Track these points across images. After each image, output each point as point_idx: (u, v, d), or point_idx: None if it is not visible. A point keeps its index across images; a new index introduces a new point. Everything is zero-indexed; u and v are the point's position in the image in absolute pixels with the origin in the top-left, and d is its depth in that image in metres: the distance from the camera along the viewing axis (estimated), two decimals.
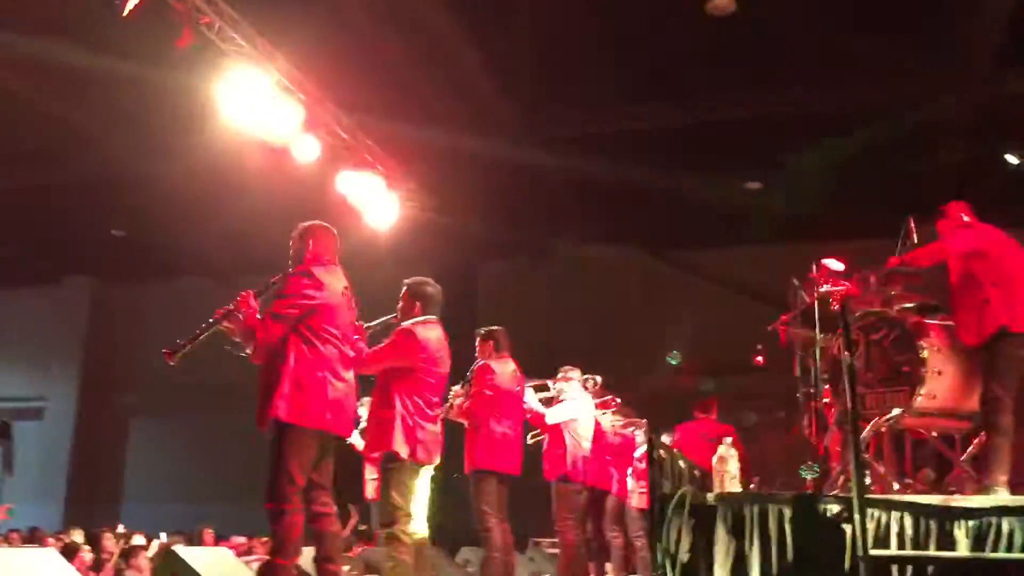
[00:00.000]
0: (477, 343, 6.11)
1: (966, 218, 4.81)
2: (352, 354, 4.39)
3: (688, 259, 16.58)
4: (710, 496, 3.65)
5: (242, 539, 9.50)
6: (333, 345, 4.22)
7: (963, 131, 12.06)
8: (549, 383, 7.19)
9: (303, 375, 4.11)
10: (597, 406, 7.85)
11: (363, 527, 10.26)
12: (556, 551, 8.14)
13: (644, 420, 8.48)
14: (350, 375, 4.32)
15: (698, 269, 16.42)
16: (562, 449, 6.77)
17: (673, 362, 8.31)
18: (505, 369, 5.98)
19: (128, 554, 7.50)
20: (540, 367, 7.55)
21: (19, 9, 9.41)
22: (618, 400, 8.24)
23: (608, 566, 8.31)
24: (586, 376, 7.29)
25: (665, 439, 8.67)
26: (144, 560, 7.17)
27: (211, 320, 4.31)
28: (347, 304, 4.39)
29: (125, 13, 7.20)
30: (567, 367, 7.34)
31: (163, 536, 8.28)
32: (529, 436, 6.91)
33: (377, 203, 10.17)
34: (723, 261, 16.07)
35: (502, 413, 5.79)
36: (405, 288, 5.26)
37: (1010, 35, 10.19)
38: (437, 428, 5.11)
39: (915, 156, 12.20)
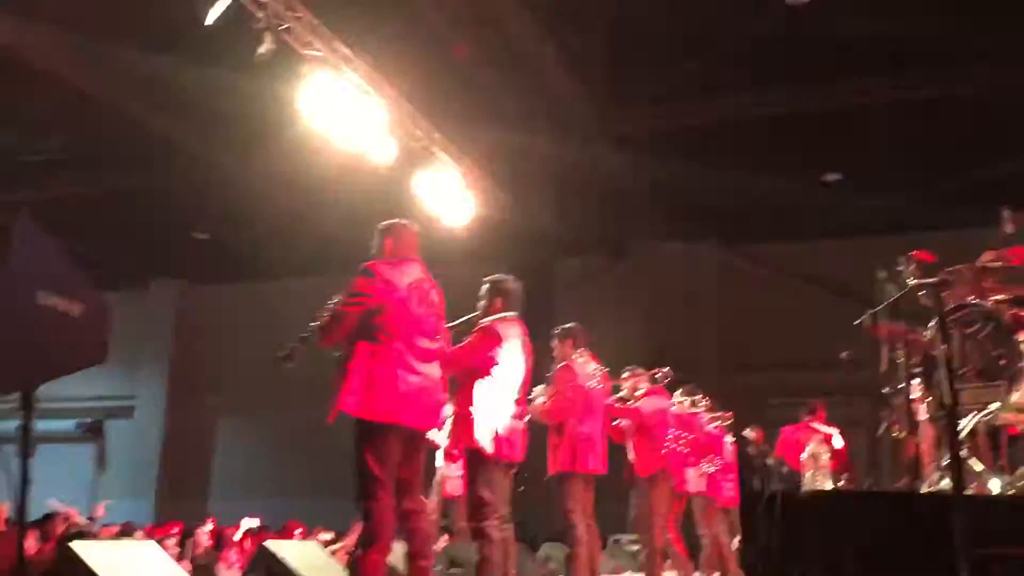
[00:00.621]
0: (556, 343, 6.07)
1: None
2: (432, 347, 4.36)
3: (764, 253, 16.35)
4: (801, 494, 3.61)
5: (328, 534, 9.67)
6: (403, 340, 4.20)
7: None
8: (621, 385, 7.16)
9: (372, 371, 4.12)
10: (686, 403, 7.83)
11: (443, 522, 10.36)
12: (636, 548, 8.12)
13: (730, 414, 8.41)
14: (428, 368, 4.28)
15: (775, 264, 16.18)
16: (655, 445, 6.74)
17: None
18: (585, 368, 5.96)
19: (219, 546, 7.72)
20: (615, 365, 7.54)
21: (105, 16, 9.75)
22: (704, 397, 8.19)
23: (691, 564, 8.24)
24: (654, 371, 7.22)
25: (748, 434, 8.62)
26: (234, 553, 7.38)
27: (312, 322, 4.40)
28: (421, 298, 4.35)
29: (209, 21, 7.39)
30: (632, 366, 7.30)
31: (248, 522, 8.42)
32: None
33: (454, 203, 10.25)
34: (801, 255, 15.81)
35: (584, 413, 5.78)
36: (487, 285, 5.27)
37: None
38: (521, 425, 5.12)
39: (1005, 146, 11.85)
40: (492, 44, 10.87)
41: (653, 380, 7.24)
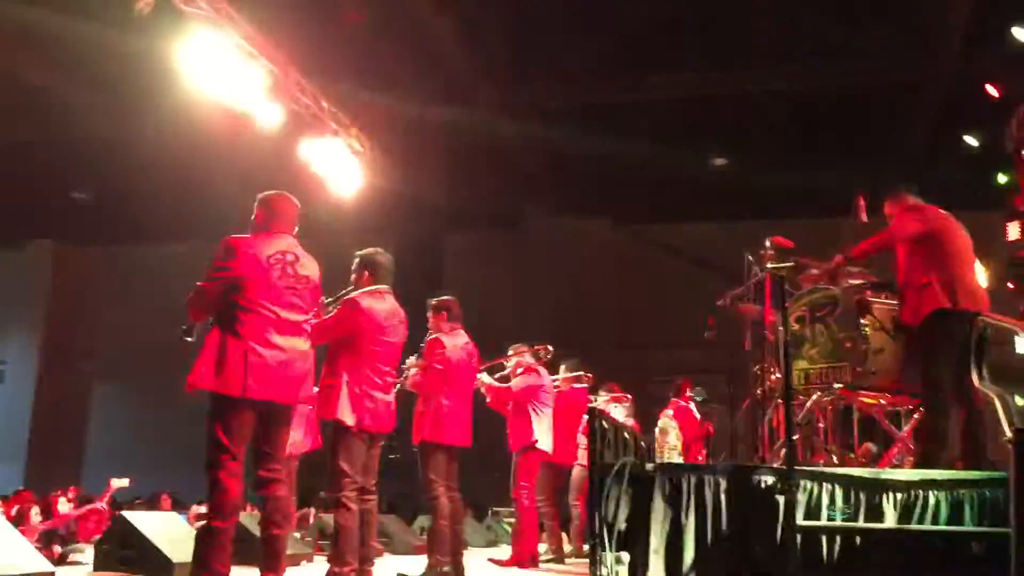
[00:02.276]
0: (430, 314, 6.08)
1: (912, 201, 4.87)
2: (297, 319, 4.27)
3: (654, 232, 16.67)
4: (648, 466, 3.71)
5: (203, 508, 9.50)
6: (261, 314, 4.15)
7: (923, 112, 12.20)
8: (503, 362, 7.23)
9: (226, 344, 4.09)
10: (575, 384, 7.95)
11: (322, 494, 10.32)
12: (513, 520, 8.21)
13: (630, 396, 8.60)
14: (290, 341, 4.21)
15: (662, 243, 16.52)
16: (525, 420, 6.83)
17: (699, 399, 8.43)
18: (456, 342, 5.94)
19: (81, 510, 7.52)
20: (506, 340, 7.59)
21: None
22: (590, 375, 8.32)
23: (565, 536, 8.41)
24: (536, 347, 7.31)
25: (618, 411, 8.80)
26: (92, 523, 7.19)
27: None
28: (284, 270, 4.25)
29: None
30: (517, 345, 7.38)
31: (116, 482, 8.19)
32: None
33: (341, 172, 10.10)
34: (686, 235, 16.19)
35: (451, 387, 5.80)
36: (356, 259, 5.24)
37: (973, 18, 10.27)
38: (389, 397, 5.10)
39: (874, 136, 12.35)
40: (387, 10, 10.72)
41: (535, 356, 7.32)
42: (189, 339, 4.35)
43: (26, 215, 16.48)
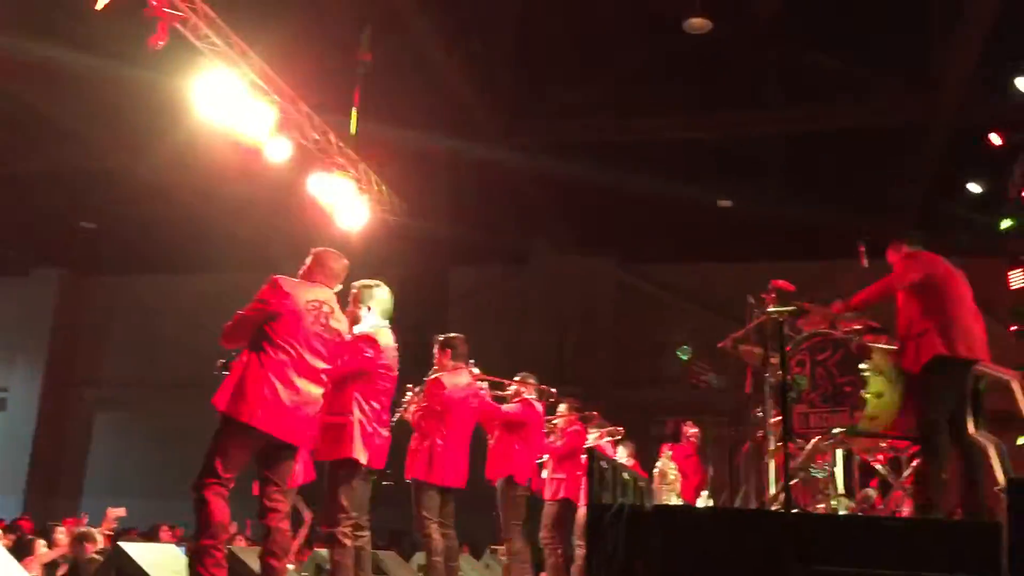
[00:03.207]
0: (435, 350, 6.09)
1: (911, 249, 4.90)
2: (320, 366, 4.45)
3: (659, 273, 16.71)
4: (647, 507, 3.71)
5: None
6: (287, 352, 4.33)
7: (926, 157, 12.27)
8: (506, 383, 7.18)
9: (249, 374, 4.26)
10: (576, 424, 7.91)
11: (320, 528, 10.25)
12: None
13: (621, 429, 8.54)
14: (307, 386, 4.37)
15: (667, 283, 16.55)
16: (510, 451, 6.77)
17: (683, 356, 8.36)
18: (458, 381, 5.95)
19: (80, 542, 7.47)
20: (507, 373, 7.57)
21: None
22: (595, 413, 8.29)
23: None
24: (542, 386, 7.29)
25: (622, 451, 8.77)
26: (93, 552, 7.15)
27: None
28: (317, 318, 4.46)
29: (100, 6, 7.18)
30: (525, 373, 7.36)
31: (114, 511, 8.16)
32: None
33: (348, 206, 10.16)
34: (691, 275, 16.23)
35: (449, 428, 5.79)
36: (355, 291, 5.28)
37: (981, 63, 10.37)
38: (387, 434, 5.13)
39: (878, 180, 12.41)
40: (395, 47, 10.84)
41: (539, 394, 7.30)
42: (226, 373, 4.47)
43: (33, 244, 16.61)
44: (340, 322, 4.63)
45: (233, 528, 8.24)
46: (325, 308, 4.54)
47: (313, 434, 4.61)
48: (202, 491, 4.15)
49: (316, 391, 4.46)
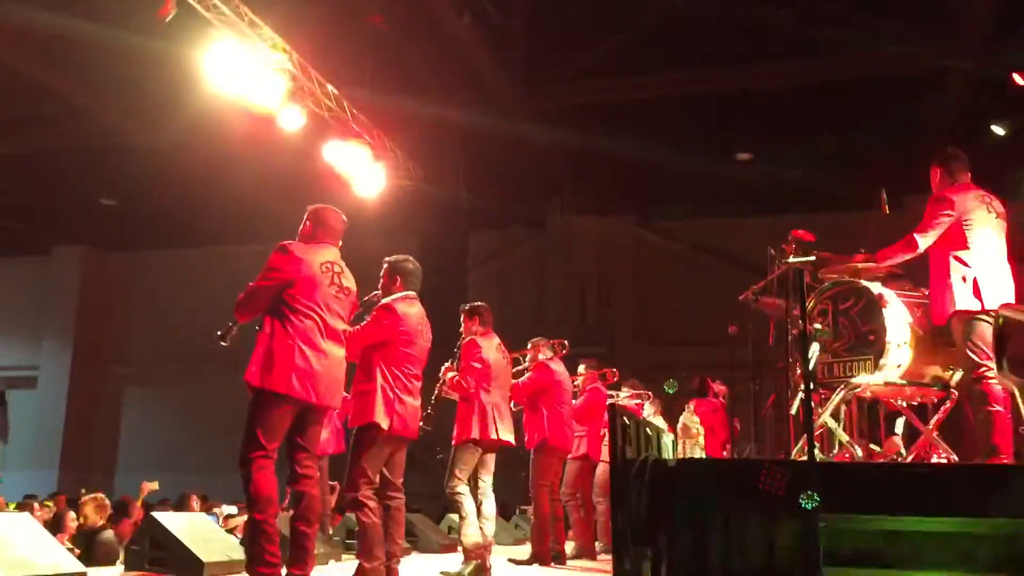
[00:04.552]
0: (462, 319, 6.19)
1: (952, 180, 4.75)
2: (340, 327, 4.50)
3: (678, 230, 16.62)
4: (670, 461, 3.71)
5: (232, 508, 9.58)
6: (310, 317, 4.34)
7: (948, 102, 12.06)
8: (520, 357, 7.24)
9: (275, 343, 4.26)
10: (596, 382, 7.95)
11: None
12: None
13: (648, 392, 8.59)
14: (332, 347, 4.41)
15: (687, 240, 16.46)
16: (537, 418, 6.85)
17: (669, 390, 8.49)
18: (491, 344, 6.09)
19: (115, 516, 7.60)
20: (528, 337, 7.59)
21: None
22: (615, 371, 8.33)
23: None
24: (552, 341, 7.33)
25: (649, 408, 8.78)
26: (128, 525, 7.27)
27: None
28: (332, 279, 4.48)
29: None
30: (535, 339, 7.39)
31: (148, 484, 8.30)
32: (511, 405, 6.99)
33: (364, 173, 10.16)
34: (711, 231, 16.13)
35: (491, 385, 5.90)
36: (386, 265, 5.33)
37: (1001, 8, 10.16)
38: (417, 402, 5.17)
39: (899, 127, 12.22)
40: (407, 13, 10.77)
41: (552, 350, 7.34)
42: (224, 344, 4.47)
43: (54, 221, 16.73)
44: (350, 280, 4.64)
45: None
46: (336, 268, 4.55)
47: (341, 395, 4.62)
48: (249, 466, 4.18)
49: (341, 352, 4.51)
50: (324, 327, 4.38)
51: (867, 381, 4.65)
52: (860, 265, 4.79)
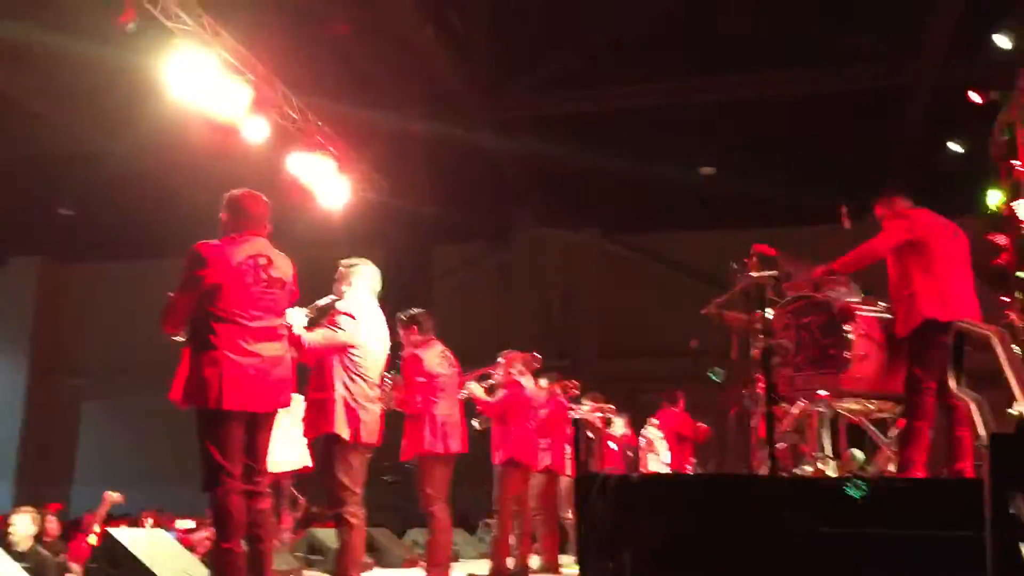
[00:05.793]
0: (400, 329, 5.99)
1: (902, 205, 4.85)
2: (272, 324, 4.14)
3: (643, 243, 16.70)
4: (633, 476, 3.71)
5: (190, 522, 9.43)
6: (237, 321, 4.02)
7: (907, 119, 12.26)
8: (491, 371, 7.19)
9: (202, 357, 3.99)
10: (555, 391, 7.95)
11: (315, 509, 10.25)
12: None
13: (613, 407, 8.60)
14: (265, 348, 4.08)
15: (651, 253, 16.55)
16: (507, 433, 6.81)
17: (716, 378, 8.50)
18: (432, 353, 5.94)
19: (69, 535, 7.46)
20: (494, 351, 7.57)
21: None
22: (576, 383, 8.33)
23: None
24: (524, 354, 7.30)
25: (619, 422, 8.81)
26: (85, 543, 7.14)
27: None
28: (256, 275, 4.12)
29: None
30: (507, 351, 7.36)
31: (111, 495, 8.12)
32: (476, 422, 6.94)
33: (329, 185, 10.08)
34: (674, 244, 16.22)
35: (438, 396, 5.80)
36: (341, 267, 5.18)
37: (959, 24, 10.34)
38: (378, 409, 5.07)
39: (859, 143, 12.39)
40: (370, 23, 10.74)
41: (525, 363, 7.31)
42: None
43: (9, 231, 16.42)
44: (282, 268, 4.27)
45: None
46: (261, 260, 4.18)
47: (288, 396, 4.32)
48: (215, 490, 3.97)
49: (278, 349, 4.20)
50: (251, 330, 4.07)
51: (828, 395, 4.68)
52: (821, 277, 4.84)
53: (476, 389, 6.83)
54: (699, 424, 9.10)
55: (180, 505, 11.02)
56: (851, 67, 11.90)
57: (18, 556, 6.35)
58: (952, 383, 3.40)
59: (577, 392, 8.31)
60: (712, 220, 15.03)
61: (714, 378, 8.10)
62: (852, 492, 3.25)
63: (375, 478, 6.23)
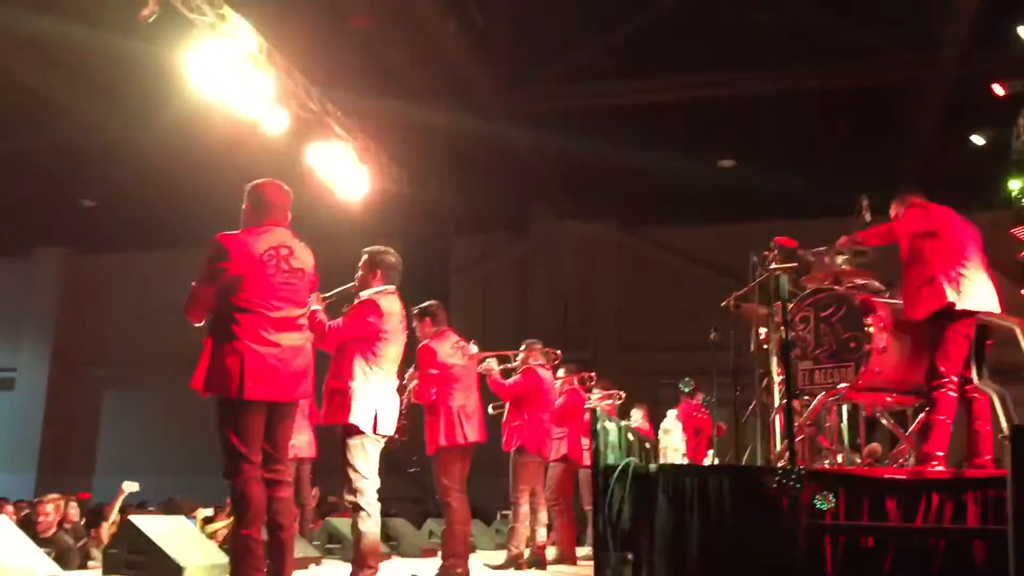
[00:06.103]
0: (415, 323, 5.85)
1: (917, 200, 4.86)
2: (293, 314, 4.16)
3: (661, 236, 16.66)
4: (652, 467, 3.71)
5: (208, 510, 9.51)
6: (259, 311, 4.04)
7: (929, 111, 12.16)
8: (510, 354, 7.19)
9: (223, 347, 4.01)
10: (572, 382, 7.95)
11: (332, 498, 10.32)
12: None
13: (622, 392, 8.60)
14: (286, 338, 4.10)
15: (669, 245, 16.51)
16: (520, 420, 6.82)
17: (685, 389, 8.51)
18: (445, 345, 5.91)
19: (91, 522, 7.54)
20: (512, 342, 7.59)
21: None
22: (593, 375, 8.35)
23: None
24: (546, 348, 7.31)
25: (637, 413, 8.81)
26: (105, 528, 7.21)
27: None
28: (278, 265, 4.11)
29: None
30: (530, 340, 7.36)
31: (127, 485, 8.17)
32: (490, 407, 6.95)
33: (348, 176, 10.12)
34: (692, 237, 16.18)
35: (454, 387, 5.80)
36: (365, 256, 5.17)
37: (980, 17, 10.25)
38: (396, 400, 5.08)
39: (880, 135, 12.32)
40: (391, 16, 10.75)
41: (545, 357, 7.33)
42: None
43: (33, 223, 16.58)
44: (303, 258, 4.27)
45: None
46: (283, 251, 4.18)
47: (308, 386, 4.33)
48: (233, 477, 4.00)
49: (298, 339, 4.21)
50: (272, 320, 4.08)
51: (850, 388, 4.67)
52: (845, 246, 4.85)
53: (494, 365, 6.82)
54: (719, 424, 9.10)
55: (199, 494, 11.11)
56: (871, 60, 11.81)
57: (42, 542, 6.42)
58: (974, 376, 3.38)
59: (593, 383, 8.34)
60: (731, 213, 14.99)
61: (684, 389, 8.12)
62: (821, 505, 3.26)
63: (395, 469, 6.27)
